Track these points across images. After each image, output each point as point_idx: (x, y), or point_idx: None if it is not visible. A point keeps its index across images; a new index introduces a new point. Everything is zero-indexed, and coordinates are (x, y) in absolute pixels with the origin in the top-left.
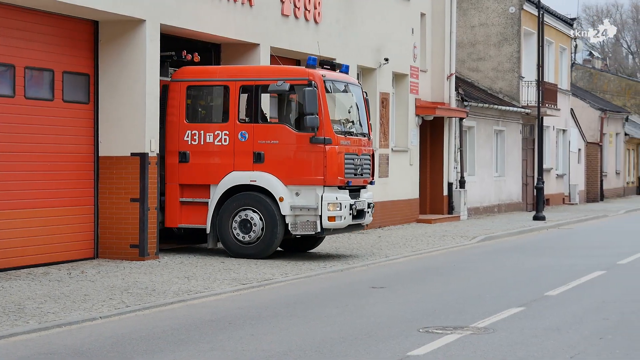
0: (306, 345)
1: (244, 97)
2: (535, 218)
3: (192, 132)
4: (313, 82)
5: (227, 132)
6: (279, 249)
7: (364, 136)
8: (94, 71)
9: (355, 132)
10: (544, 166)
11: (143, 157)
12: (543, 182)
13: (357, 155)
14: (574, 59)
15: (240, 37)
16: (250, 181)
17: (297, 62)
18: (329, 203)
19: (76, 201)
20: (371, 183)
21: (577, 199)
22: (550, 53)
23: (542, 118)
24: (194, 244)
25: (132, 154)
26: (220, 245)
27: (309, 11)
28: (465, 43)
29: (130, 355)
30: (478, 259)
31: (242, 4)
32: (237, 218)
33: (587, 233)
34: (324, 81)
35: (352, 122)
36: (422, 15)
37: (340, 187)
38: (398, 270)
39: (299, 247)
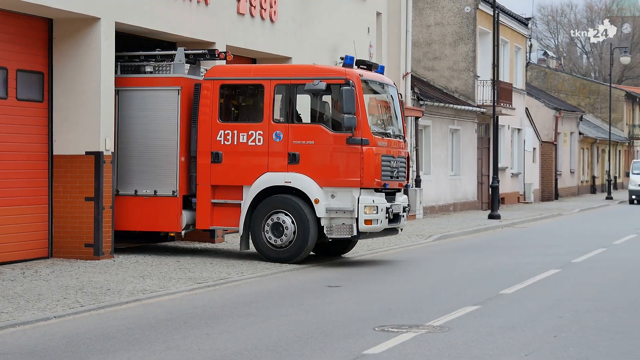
0: (262, 345)
1: (278, 96)
2: (491, 217)
3: (225, 132)
4: (351, 81)
5: (262, 132)
6: (311, 253)
7: (400, 138)
8: (49, 69)
9: (391, 133)
10: (499, 165)
11: (98, 155)
12: (498, 181)
13: (393, 157)
14: (529, 58)
15: (197, 36)
16: (285, 182)
17: (253, 61)
18: (365, 206)
19: (30, 200)
20: (406, 186)
21: (532, 198)
22: (506, 52)
23: (497, 117)
24: (150, 243)
25: (87, 153)
26: (252, 248)
27: (265, 10)
28: (421, 42)
29: (85, 355)
30: (434, 257)
31: (198, 2)
32: (270, 221)
33: (542, 232)
34: (361, 81)
35: (389, 123)
36: (378, 14)
37: (376, 190)
38: (354, 269)
39: (330, 250)
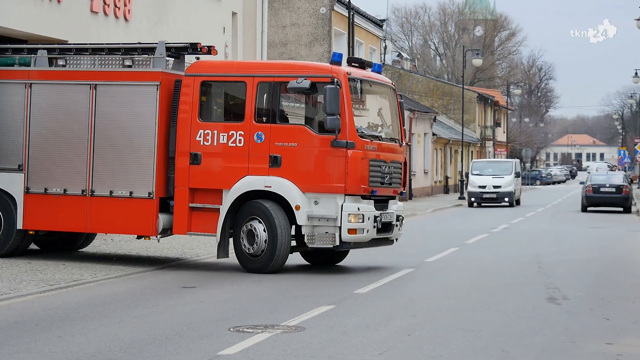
0: (115, 347)
1: (261, 95)
2: None
3: (205, 132)
4: (336, 79)
5: (242, 133)
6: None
7: (395, 141)
8: None
9: (384, 137)
10: None
11: None
12: None
13: (385, 162)
14: (384, 59)
15: (49, 34)
16: (265, 187)
17: None
18: (349, 214)
19: None
20: (401, 194)
21: None
22: (361, 53)
23: None
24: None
25: None
26: (234, 257)
27: (119, 8)
28: (276, 43)
29: None
30: (288, 259)
31: (50, 0)
32: (245, 228)
33: None
34: (349, 79)
35: (382, 125)
36: (234, 14)
37: (364, 197)
38: (210, 271)
39: (323, 259)
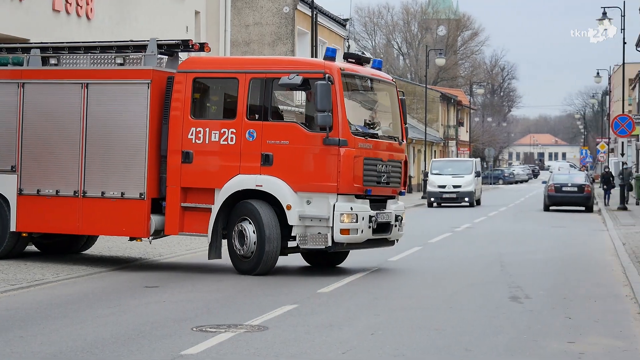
0: (78, 347)
1: (254, 91)
2: None
3: (197, 130)
4: (328, 75)
5: (234, 131)
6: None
7: (395, 140)
8: None
9: (382, 135)
10: None
11: None
12: None
13: (382, 161)
14: None
15: (9, 32)
16: (256, 186)
17: None
18: (342, 213)
19: None
20: (401, 193)
21: None
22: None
23: None
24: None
25: None
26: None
27: (81, 7)
28: (239, 42)
29: None
30: None
31: None
32: (236, 228)
33: None
34: (343, 75)
35: (379, 123)
36: (197, 13)
37: (358, 196)
38: (172, 270)
39: (323, 261)
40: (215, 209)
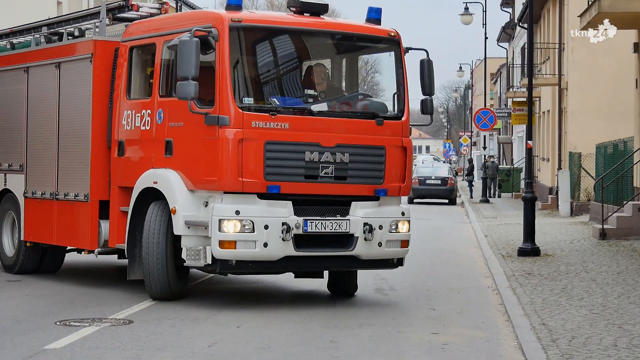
0: None
1: (166, 59)
2: None
3: (128, 113)
4: (195, 30)
5: (150, 112)
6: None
7: (368, 117)
8: None
9: (322, 110)
10: None
11: None
12: None
13: (318, 146)
14: None
15: None
16: (153, 183)
17: None
18: (220, 219)
19: None
20: (377, 193)
21: None
22: None
23: None
24: None
25: None
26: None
27: None
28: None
29: None
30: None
31: None
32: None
33: None
34: (244, 29)
35: (323, 93)
36: (59, 3)
37: (265, 196)
38: None
39: (339, 289)
40: (129, 214)
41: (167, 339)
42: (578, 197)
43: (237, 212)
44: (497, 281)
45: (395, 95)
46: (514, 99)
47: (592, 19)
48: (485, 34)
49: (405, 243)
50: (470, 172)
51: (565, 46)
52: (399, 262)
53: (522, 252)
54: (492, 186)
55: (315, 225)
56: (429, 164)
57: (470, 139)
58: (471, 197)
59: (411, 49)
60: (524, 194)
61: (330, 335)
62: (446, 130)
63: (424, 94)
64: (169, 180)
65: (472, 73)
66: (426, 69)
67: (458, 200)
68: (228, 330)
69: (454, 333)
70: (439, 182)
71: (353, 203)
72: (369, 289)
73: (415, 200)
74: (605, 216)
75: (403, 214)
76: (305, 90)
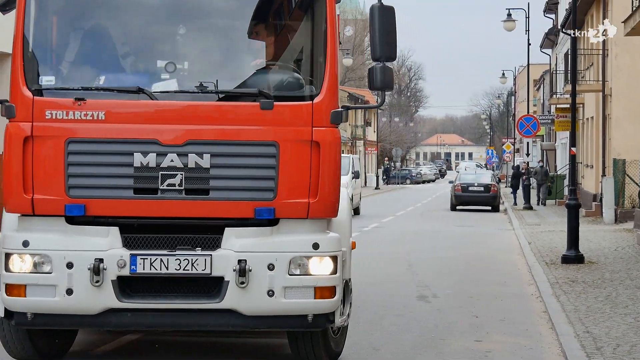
0: None
1: None
2: None
3: None
4: None
5: None
6: None
7: (209, 98)
8: None
9: (159, 91)
10: None
11: None
12: None
13: (157, 144)
14: None
15: None
16: None
17: None
18: (8, 252)
19: None
20: (257, 214)
21: None
22: None
23: None
24: None
25: None
26: None
27: None
28: None
29: None
30: None
31: None
32: None
33: None
34: None
35: (173, 67)
36: None
37: (73, 220)
38: None
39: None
40: None
41: None
42: (622, 204)
43: (26, 244)
44: (540, 288)
45: (310, 63)
46: (557, 106)
47: (636, 25)
48: (528, 40)
49: (324, 291)
50: (515, 177)
51: (609, 52)
52: (320, 320)
53: (565, 260)
54: (539, 192)
55: (151, 264)
56: (471, 170)
57: (514, 145)
58: (515, 203)
59: None
60: (567, 201)
61: (372, 342)
62: (489, 137)
63: (373, 58)
64: None
65: (515, 80)
66: (377, 20)
67: (501, 208)
68: None
69: (497, 341)
70: (482, 188)
71: (227, 230)
72: (411, 295)
73: (457, 207)
74: None
75: (316, 246)
76: (157, 62)
